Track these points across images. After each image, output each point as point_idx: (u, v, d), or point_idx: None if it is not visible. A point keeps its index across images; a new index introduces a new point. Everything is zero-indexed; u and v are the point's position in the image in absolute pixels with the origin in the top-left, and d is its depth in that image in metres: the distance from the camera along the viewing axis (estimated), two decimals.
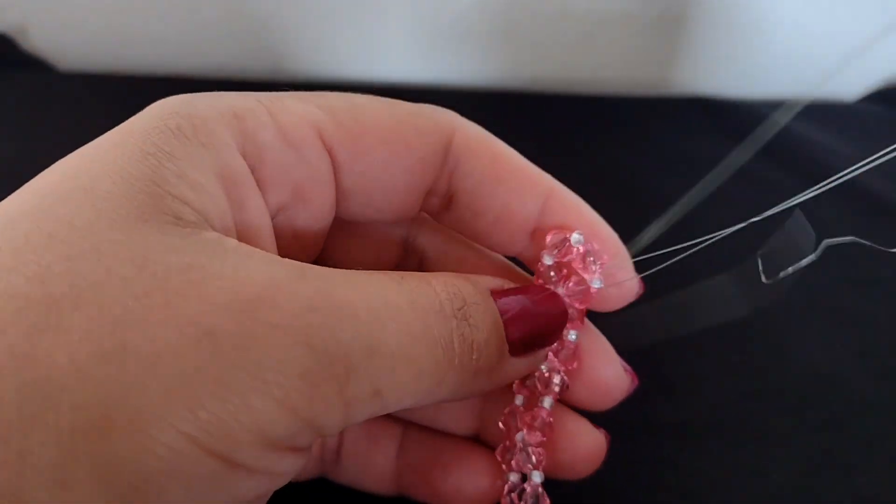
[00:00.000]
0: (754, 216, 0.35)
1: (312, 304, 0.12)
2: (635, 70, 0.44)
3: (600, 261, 0.18)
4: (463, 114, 0.18)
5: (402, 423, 0.20)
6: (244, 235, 0.15)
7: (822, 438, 0.24)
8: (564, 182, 0.18)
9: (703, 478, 0.22)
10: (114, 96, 0.38)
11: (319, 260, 0.18)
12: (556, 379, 0.18)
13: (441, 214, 0.19)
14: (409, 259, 0.20)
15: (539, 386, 0.18)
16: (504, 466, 0.19)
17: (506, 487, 0.18)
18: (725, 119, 0.41)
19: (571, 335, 0.18)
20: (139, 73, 0.41)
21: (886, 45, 0.44)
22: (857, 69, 0.45)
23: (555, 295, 0.17)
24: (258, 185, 0.16)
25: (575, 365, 0.18)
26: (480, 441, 0.20)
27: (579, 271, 0.17)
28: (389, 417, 0.20)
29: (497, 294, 0.16)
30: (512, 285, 0.17)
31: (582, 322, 0.18)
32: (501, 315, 0.15)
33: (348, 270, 0.14)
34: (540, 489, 0.18)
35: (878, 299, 0.29)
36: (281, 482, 0.13)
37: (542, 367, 0.18)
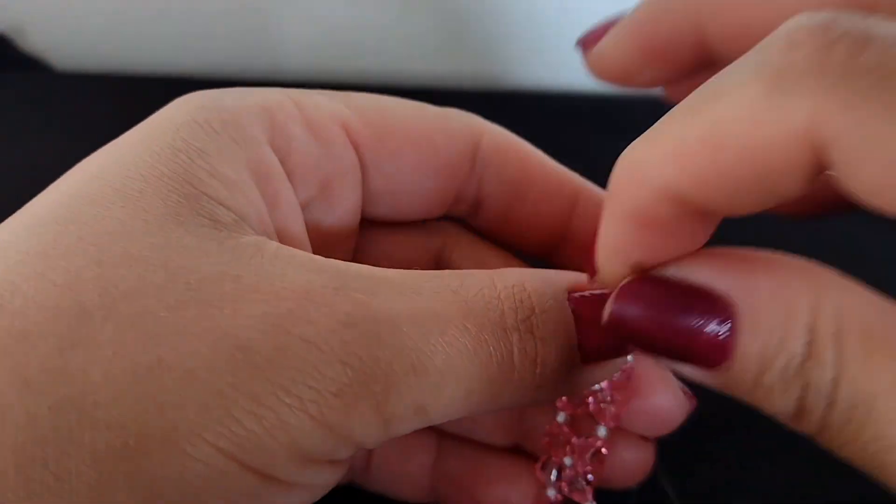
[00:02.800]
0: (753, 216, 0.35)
1: (349, 318, 0.12)
2: None
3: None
4: None
5: (437, 433, 0.19)
6: (280, 233, 0.15)
7: None
8: None
9: (704, 479, 0.22)
10: (112, 96, 0.38)
11: (355, 259, 0.18)
12: (611, 407, 0.17)
13: (468, 219, 0.18)
14: (442, 267, 0.19)
15: (592, 412, 0.17)
16: (544, 482, 0.18)
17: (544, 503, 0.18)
18: None
19: (628, 357, 0.16)
20: (137, 73, 0.41)
21: None
22: None
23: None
24: (287, 177, 0.15)
25: (629, 388, 0.17)
26: (520, 451, 0.19)
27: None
28: (423, 429, 0.20)
29: (576, 292, 0.14)
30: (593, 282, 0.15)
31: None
32: (578, 319, 0.14)
33: (398, 273, 0.13)
34: None
35: None
36: (321, 493, 0.13)
37: (596, 386, 0.17)
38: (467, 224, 0.19)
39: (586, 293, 0.14)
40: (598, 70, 0.16)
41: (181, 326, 0.11)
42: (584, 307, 0.14)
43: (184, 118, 0.14)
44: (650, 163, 0.10)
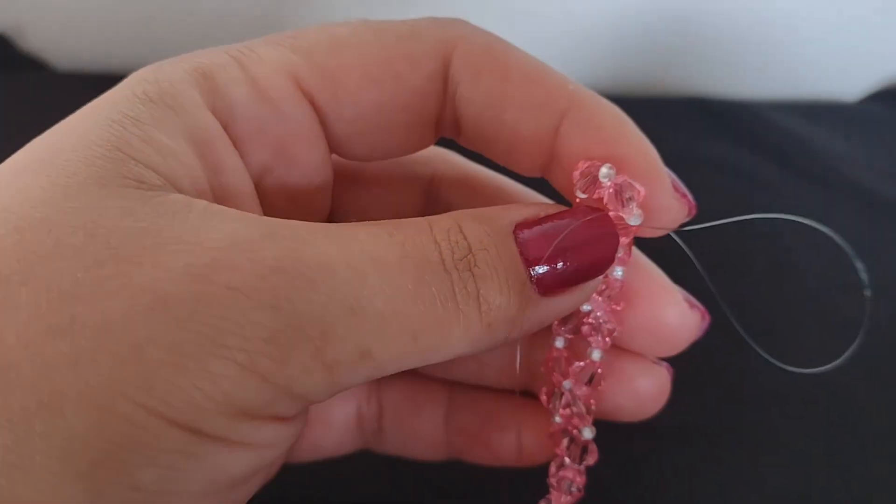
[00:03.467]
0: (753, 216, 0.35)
1: (279, 264, 0.11)
2: (635, 70, 0.44)
3: (635, 194, 0.15)
4: None
5: (447, 385, 0.19)
6: (223, 199, 0.14)
7: (822, 440, 0.23)
8: None
9: (704, 480, 0.22)
10: None
11: (334, 216, 0.17)
12: (605, 326, 0.16)
13: (457, 139, 0.17)
14: (433, 208, 0.18)
15: (585, 333, 0.16)
16: (551, 411, 0.17)
17: (552, 430, 0.17)
18: (725, 119, 0.41)
19: (617, 271, 0.16)
20: None
21: (886, 45, 0.44)
22: (857, 69, 0.45)
23: (599, 215, 0.14)
24: (234, 144, 0.15)
25: (622, 306, 0.16)
26: (531, 394, 0.18)
27: (614, 209, 0.15)
28: (433, 381, 0.19)
29: (527, 226, 0.14)
30: (551, 210, 0.14)
31: (629, 256, 0.16)
32: (525, 252, 0.13)
33: (333, 224, 0.13)
34: (590, 444, 0.17)
35: (877, 302, 0.29)
36: (270, 454, 0.12)
37: (586, 306, 0.16)
38: (459, 147, 0.18)
39: (540, 219, 0.14)
40: None
41: (97, 285, 0.11)
42: (528, 241, 0.14)
43: (123, 92, 0.14)
44: None
